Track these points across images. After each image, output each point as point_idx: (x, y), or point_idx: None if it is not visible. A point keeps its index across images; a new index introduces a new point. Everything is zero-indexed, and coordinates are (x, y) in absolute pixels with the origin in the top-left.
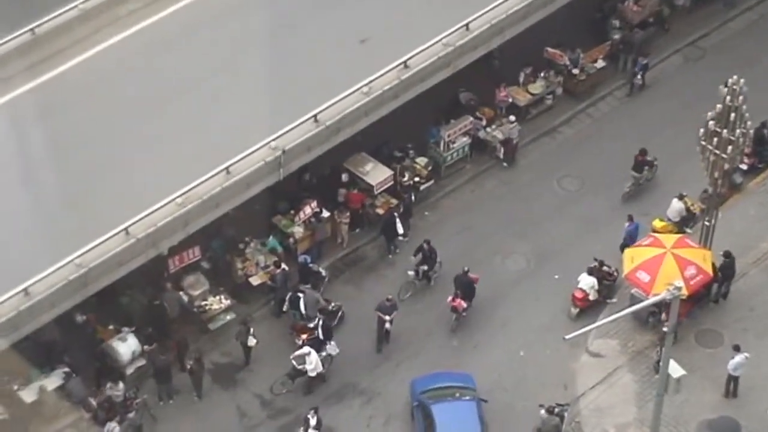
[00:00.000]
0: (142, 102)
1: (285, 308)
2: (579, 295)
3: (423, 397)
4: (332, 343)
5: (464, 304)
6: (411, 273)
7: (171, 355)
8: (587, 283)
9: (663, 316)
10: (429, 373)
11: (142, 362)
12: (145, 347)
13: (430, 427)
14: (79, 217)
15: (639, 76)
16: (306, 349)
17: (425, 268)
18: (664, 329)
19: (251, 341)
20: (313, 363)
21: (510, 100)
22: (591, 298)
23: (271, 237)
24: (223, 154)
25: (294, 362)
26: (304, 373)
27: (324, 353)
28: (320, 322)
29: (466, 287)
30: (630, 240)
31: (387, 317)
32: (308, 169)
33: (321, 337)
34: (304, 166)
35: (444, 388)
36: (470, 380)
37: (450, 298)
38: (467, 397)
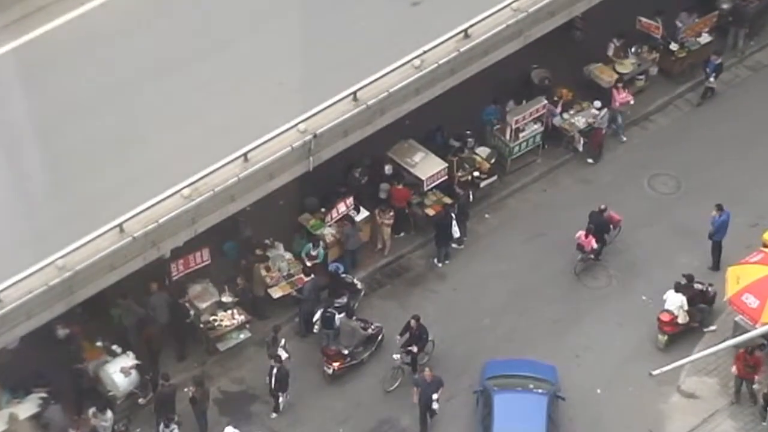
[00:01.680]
0: (143, 70)
1: (316, 329)
2: (665, 317)
3: (489, 384)
4: (287, 395)
5: (594, 244)
6: (396, 357)
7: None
8: (674, 302)
9: (733, 369)
10: (507, 358)
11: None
12: (141, 398)
13: (487, 418)
14: (64, 208)
15: (712, 79)
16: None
17: (414, 349)
18: (754, 386)
19: (282, 354)
20: None
21: (632, 101)
22: (680, 321)
23: (320, 244)
24: (240, 136)
25: None
26: None
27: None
28: (273, 370)
29: (600, 225)
30: (718, 234)
31: (434, 396)
32: (357, 162)
33: (272, 386)
34: (351, 160)
35: (517, 377)
36: (551, 373)
37: (579, 234)
38: (539, 391)
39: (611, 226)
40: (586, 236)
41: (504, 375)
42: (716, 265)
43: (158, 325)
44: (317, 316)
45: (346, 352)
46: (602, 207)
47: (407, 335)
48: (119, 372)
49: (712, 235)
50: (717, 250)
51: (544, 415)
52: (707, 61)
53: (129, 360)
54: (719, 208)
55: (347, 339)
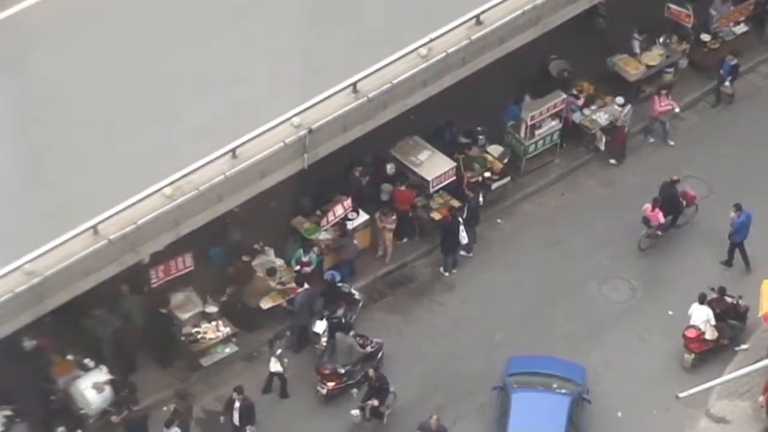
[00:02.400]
0: (124, 57)
1: (324, 342)
2: (691, 333)
3: (509, 380)
4: (253, 429)
5: (661, 218)
6: (355, 412)
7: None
8: (699, 316)
9: (761, 399)
10: (533, 355)
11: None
12: (114, 418)
13: (503, 417)
14: (33, 208)
15: (727, 82)
16: None
17: (375, 402)
18: None
19: (274, 365)
20: None
21: (676, 110)
22: (707, 336)
23: (314, 250)
24: (229, 130)
25: None
26: None
27: None
28: (237, 404)
29: (669, 198)
30: (738, 235)
31: None
32: (358, 160)
33: (237, 423)
34: (351, 158)
35: (540, 375)
36: (578, 373)
37: (647, 206)
38: (563, 391)
39: (685, 204)
40: (653, 209)
41: (527, 372)
42: (730, 262)
43: (132, 327)
44: (324, 327)
45: (342, 371)
46: (674, 178)
47: (366, 388)
48: (92, 388)
49: (731, 236)
50: (741, 251)
51: (564, 416)
52: (722, 62)
53: (102, 375)
54: (738, 208)
55: (344, 357)
